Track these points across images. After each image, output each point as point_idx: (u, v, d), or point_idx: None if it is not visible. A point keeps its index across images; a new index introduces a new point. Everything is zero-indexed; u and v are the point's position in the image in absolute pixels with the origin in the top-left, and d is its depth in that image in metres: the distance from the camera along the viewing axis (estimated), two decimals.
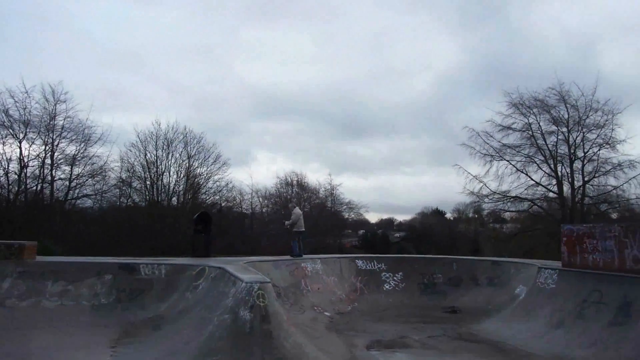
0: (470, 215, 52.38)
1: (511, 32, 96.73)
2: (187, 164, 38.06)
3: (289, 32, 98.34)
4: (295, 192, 45.94)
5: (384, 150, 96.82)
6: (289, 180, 46.82)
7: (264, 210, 47.50)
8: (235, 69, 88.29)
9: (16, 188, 30.84)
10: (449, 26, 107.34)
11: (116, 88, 69.78)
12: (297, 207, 18.19)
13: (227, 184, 40.01)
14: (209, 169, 38.93)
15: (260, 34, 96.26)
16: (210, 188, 39.52)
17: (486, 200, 35.84)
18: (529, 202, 34.91)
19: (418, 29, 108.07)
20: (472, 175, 35.20)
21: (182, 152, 37.93)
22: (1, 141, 30.15)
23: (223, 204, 40.71)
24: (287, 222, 17.66)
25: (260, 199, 46.87)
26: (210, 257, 16.02)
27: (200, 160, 38.55)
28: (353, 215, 52.65)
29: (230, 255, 24.39)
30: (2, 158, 30.23)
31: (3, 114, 30.05)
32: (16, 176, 30.72)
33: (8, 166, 30.41)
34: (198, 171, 38.79)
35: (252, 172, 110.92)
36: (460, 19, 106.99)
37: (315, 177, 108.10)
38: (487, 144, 34.83)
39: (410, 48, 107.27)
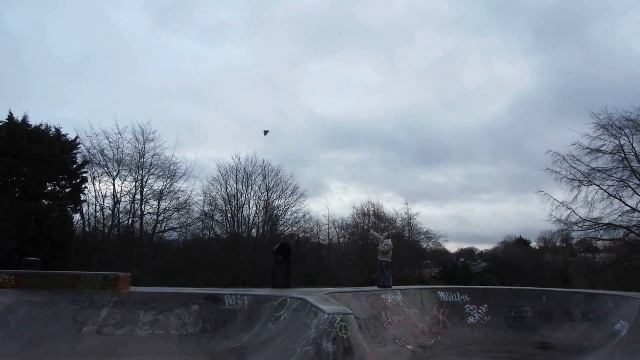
0: (558, 244, 49.50)
1: (593, 48, 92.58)
2: (266, 196, 39.20)
3: (354, 62, 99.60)
4: (372, 222, 45.70)
5: (459, 178, 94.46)
6: (365, 210, 46.76)
7: (340, 241, 47.58)
8: (302, 101, 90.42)
9: (110, 222, 33.13)
10: (522, 46, 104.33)
11: (194, 124, 73.62)
12: (390, 239, 18.02)
13: (305, 214, 40.68)
14: (286, 201, 39.86)
15: (325, 65, 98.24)
16: (288, 219, 40.37)
17: (575, 227, 33.63)
18: (625, 230, 32.34)
19: (489, 50, 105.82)
20: (558, 201, 33.28)
21: (260, 184, 39.17)
22: (97, 179, 32.93)
23: (301, 235, 41.28)
24: (379, 246, 17.52)
25: (337, 230, 47.05)
26: (290, 288, 16.17)
27: (278, 192, 39.60)
28: (431, 245, 51.53)
29: (308, 285, 24.57)
30: (98, 195, 33.10)
31: (99, 154, 33.04)
32: (110, 211, 33.13)
33: (103, 202, 33.21)
34: (276, 203, 39.79)
35: (329, 202, 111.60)
36: (535, 38, 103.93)
37: (391, 206, 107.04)
38: (574, 168, 32.85)
39: (482, 71, 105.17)
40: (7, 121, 28.74)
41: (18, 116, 29.32)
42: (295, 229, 41.09)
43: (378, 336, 13.73)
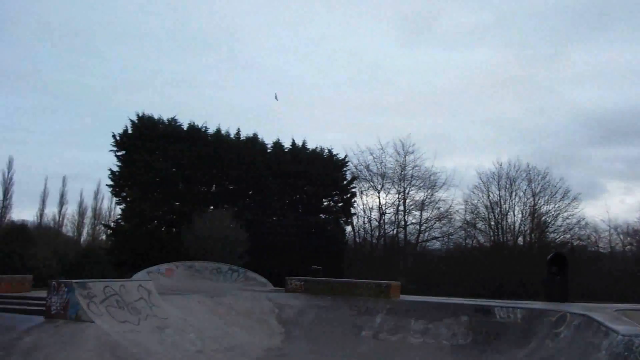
0: None
1: None
2: (532, 202, 36.62)
3: (628, 42, 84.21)
4: None
5: None
6: None
7: (626, 249, 41.06)
8: (565, 95, 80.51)
9: (377, 233, 35.77)
10: None
11: (450, 133, 73.15)
12: None
13: (579, 220, 36.57)
14: (556, 206, 36.44)
15: (590, 51, 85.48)
16: (560, 226, 36.78)
17: None
18: None
19: None
20: None
21: (526, 190, 36.79)
22: (364, 193, 36.40)
23: (575, 243, 37.18)
24: None
25: (621, 236, 40.76)
26: (568, 302, 14.77)
27: (546, 197, 36.53)
28: None
29: (587, 300, 21.87)
30: (366, 207, 36.45)
31: (365, 170, 36.46)
32: (377, 223, 35.92)
33: (370, 214, 36.43)
34: (544, 209, 36.79)
35: (608, 205, 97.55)
36: None
37: None
38: None
39: None
40: (291, 147, 33.89)
41: (299, 142, 34.46)
42: (568, 236, 37.22)
43: None
